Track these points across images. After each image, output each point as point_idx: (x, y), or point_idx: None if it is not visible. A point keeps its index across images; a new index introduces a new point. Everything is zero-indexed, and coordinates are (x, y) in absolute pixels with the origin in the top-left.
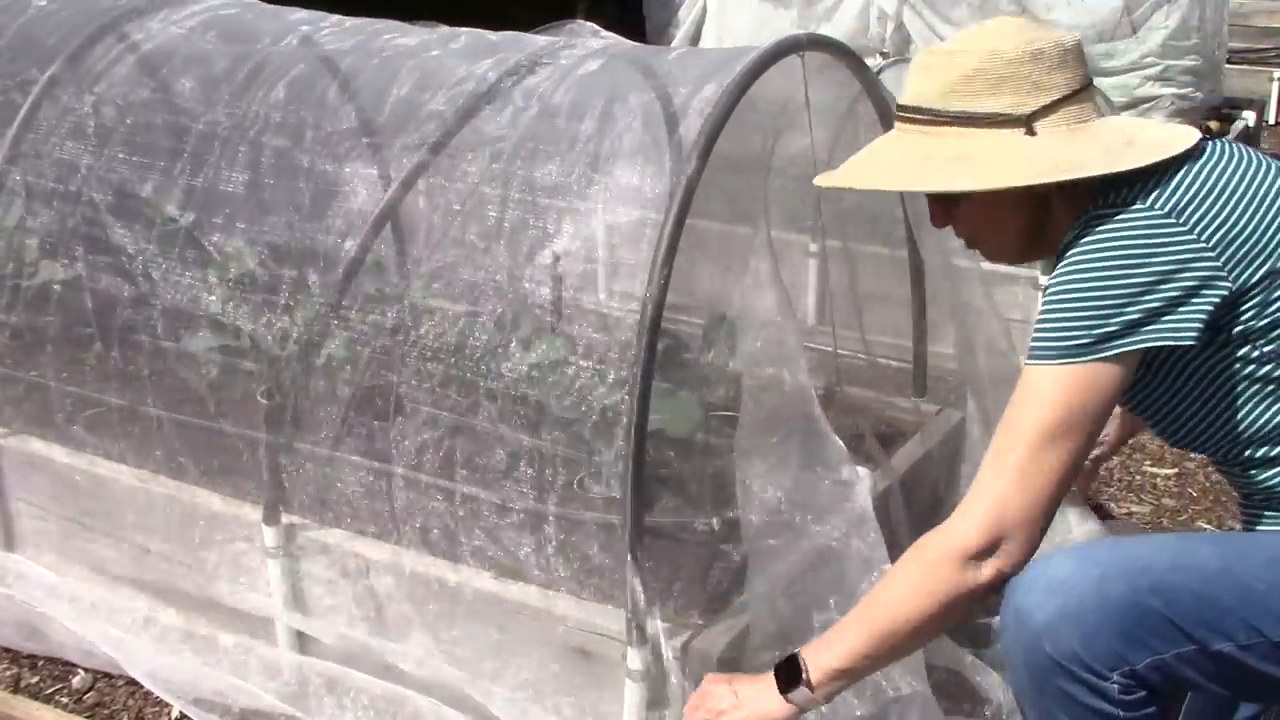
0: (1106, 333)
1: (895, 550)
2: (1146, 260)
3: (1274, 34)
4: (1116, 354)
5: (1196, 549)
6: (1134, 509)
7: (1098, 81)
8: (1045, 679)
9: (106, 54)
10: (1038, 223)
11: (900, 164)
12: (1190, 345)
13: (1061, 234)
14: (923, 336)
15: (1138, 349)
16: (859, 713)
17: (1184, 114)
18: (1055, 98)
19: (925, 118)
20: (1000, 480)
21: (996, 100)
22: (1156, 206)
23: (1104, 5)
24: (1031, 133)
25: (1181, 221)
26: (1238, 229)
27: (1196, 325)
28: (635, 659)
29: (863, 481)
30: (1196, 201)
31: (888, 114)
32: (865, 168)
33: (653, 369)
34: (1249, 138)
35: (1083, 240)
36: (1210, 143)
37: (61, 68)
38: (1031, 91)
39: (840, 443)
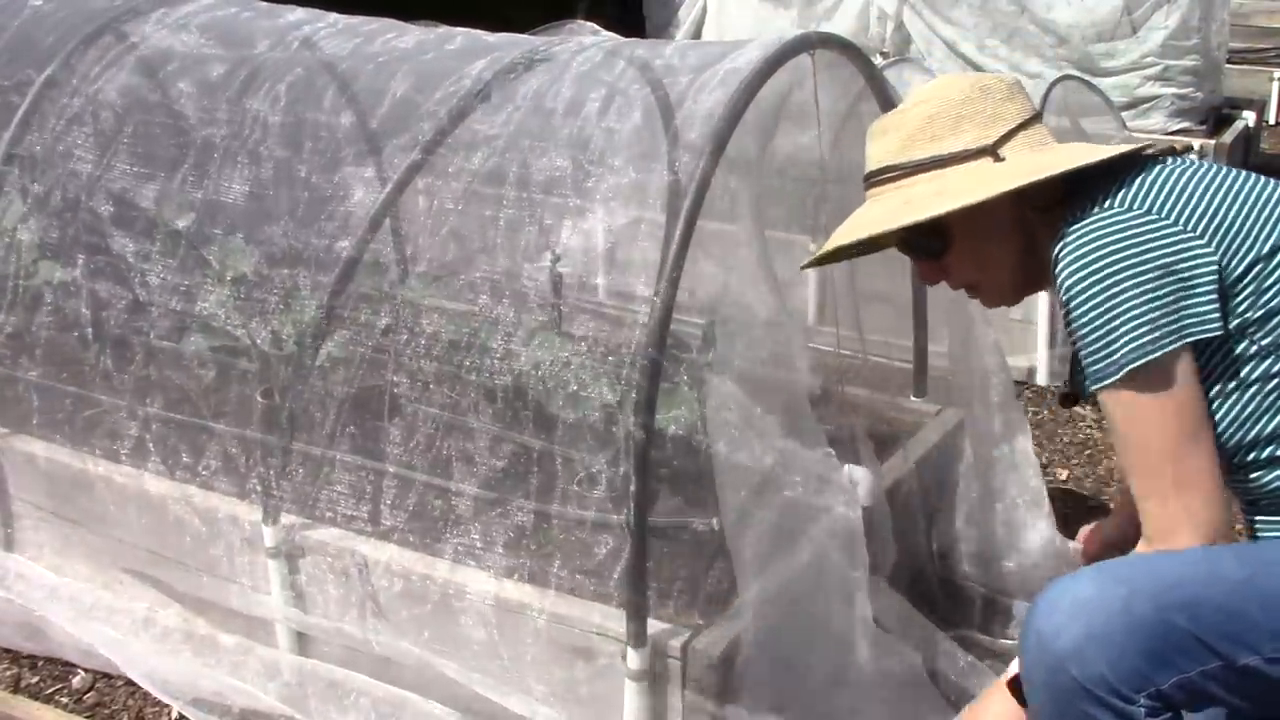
0: (1145, 332)
1: (891, 551)
2: (1142, 257)
3: (1274, 34)
4: (1168, 353)
5: (1218, 561)
6: None
7: (1097, 82)
8: (1069, 703)
9: (104, 55)
10: (1025, 252)
11: (880, 216)
12: (1217, 335)
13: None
14: (923, 337)
15: (1181, 346)
16: None
17: (1184, 114)
18: (1014, 124)
19: (895, 174)
20: (1177, 498)
21: (959, 138)
22: (1135, 207)
23: (1104, 4)
24: (999, 159)
25: (1163, 215)
26: (1218, 219)
27: (1215, 311)
28: (635, 659)
29: (862, 482)
30: (1174, 198)
31: None
32: (847, 229)
33: (660, 369)
34: (1249, 138)
35: (1073, 254)
36: (1173, 157)
37: (59, 69)
38: (990, 123)
39: (828, 445)
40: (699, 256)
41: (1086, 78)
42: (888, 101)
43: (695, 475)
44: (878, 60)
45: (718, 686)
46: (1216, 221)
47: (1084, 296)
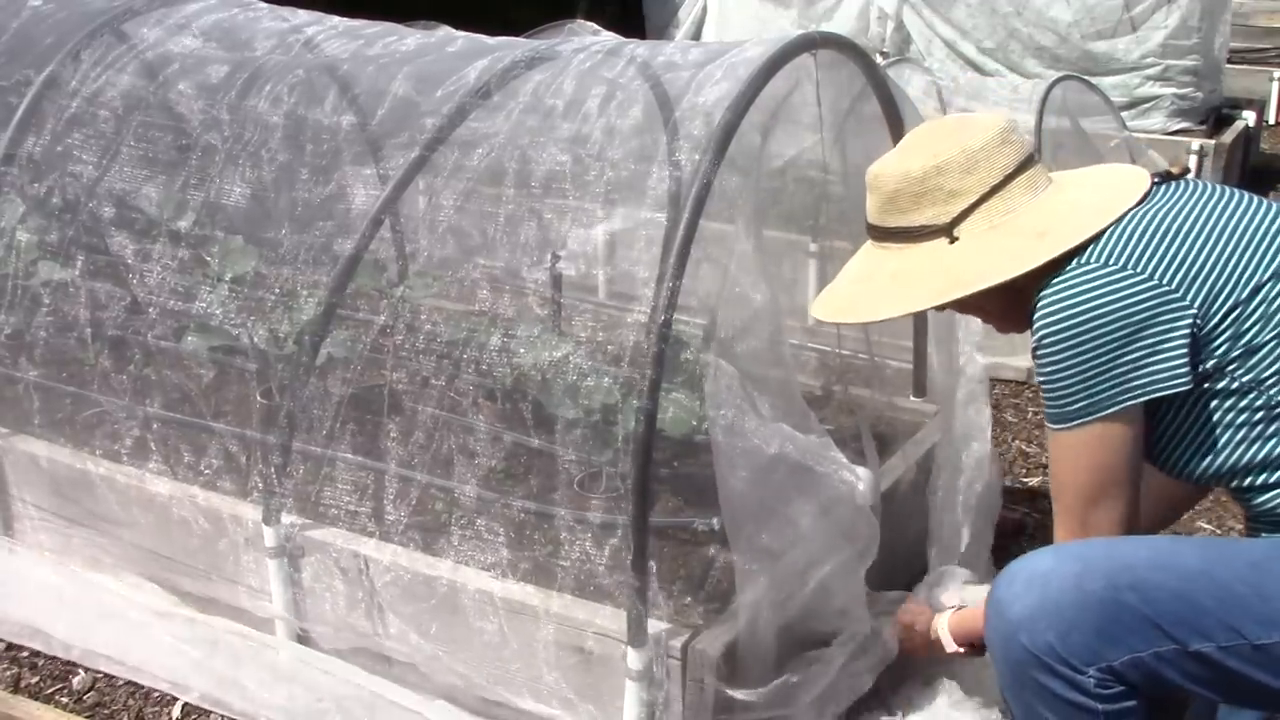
0: (1104, 390)
1: (892, 550)
2: (1115, 316)
3: (1274, 34)
4: (1121, 409)
5: (1179, 550)
6: None
7: (1097, 82)
8: (1023, 671)
9: (104, 55)
10: (1010, 297)
11: (847, 287)
12: (1186, 390)
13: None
14: (923, 336)
15: (1138, 403)
16: None
17: (1184, 114)
18: (972, 201)
19: (876, 233)
20: (1082, 538)
21: (919, 214)
22: (1112, 262)
23: (1104, 4)
24: (954, 239)
25: (1139, 270)
26: (1196, 266)
27: (1183, 368)
28: (635, 659)
29: (862, 481)
30: (1151, 247)
31: (894, 113)
32: (830, 292)
33: (664, 358)
34: (1249, 138)
35: (1050, 308)
36: (1163, 185)
37: (58, 68)
38: (948, 200)
39: (831, 441)
40: (699, 254)
41: (1086, 78)
42: (890, 101)
43: (695, 476)
44: (877, 60)
45: (718, 685)
46: (1195, 270)
47: (1050, 351)
